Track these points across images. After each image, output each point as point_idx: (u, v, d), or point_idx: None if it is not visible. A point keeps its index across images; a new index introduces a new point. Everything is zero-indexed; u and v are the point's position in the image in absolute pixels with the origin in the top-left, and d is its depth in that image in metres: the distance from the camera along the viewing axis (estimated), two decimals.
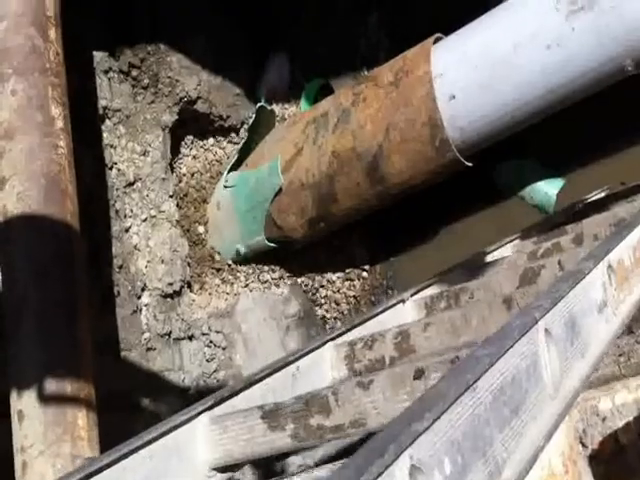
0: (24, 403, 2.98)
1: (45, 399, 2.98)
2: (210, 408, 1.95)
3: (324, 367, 2.23)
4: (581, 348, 1.58)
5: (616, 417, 1.67)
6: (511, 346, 1.29)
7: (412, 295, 2.51)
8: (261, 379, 2.06)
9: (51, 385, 3.01)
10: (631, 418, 1.66)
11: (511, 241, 3.04)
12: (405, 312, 2.49)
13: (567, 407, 1.43)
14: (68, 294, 3.22)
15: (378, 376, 1.66)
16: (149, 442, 1.80)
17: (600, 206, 3.20)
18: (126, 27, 4.54)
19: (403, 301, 2.49)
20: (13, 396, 3.01)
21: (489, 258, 2.86)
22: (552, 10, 3.42)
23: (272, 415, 1.79)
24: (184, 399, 4.34)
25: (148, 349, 4.28)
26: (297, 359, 2.15)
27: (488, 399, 1.14)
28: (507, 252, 2.95)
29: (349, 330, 2.31)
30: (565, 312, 1.56)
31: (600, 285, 1.73)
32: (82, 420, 3.05)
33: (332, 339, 2.26)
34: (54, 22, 3.54)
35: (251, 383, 2.03)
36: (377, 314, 2.41)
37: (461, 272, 2.72)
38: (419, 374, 1.58)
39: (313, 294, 4.98)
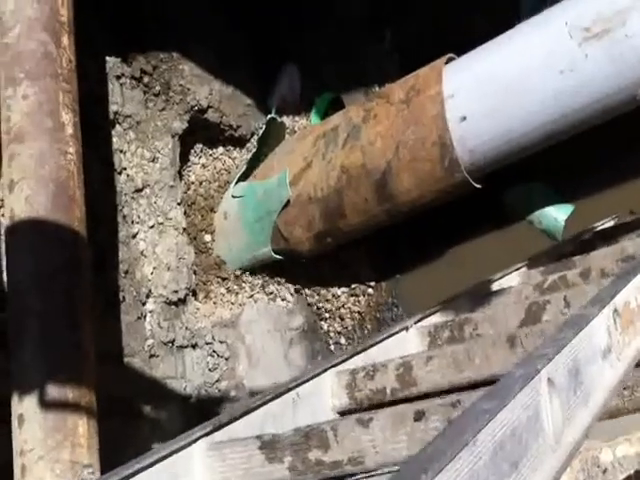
0: (25, 407, 2.98)
1: (46, 405, 2.99)
2: (208, 434, 1.94)
3: (325, 394, 2.22)
4: (584, 396, 1.57)
5: (617, 470, 1.65)
6: (512, 399, 1.28)
7: (416, 322, 2.50)
8: (261, 405, 2.05)
9: (53, 391, 3.01)
10: (632, 471, 1.64)
11: (518, 269, 3.02)
12: (408, 340, 2.48)
13: (569, 458, 1.41)
14: (72, 301, 3.22)
15: (378, 414, 1.65)
16: (147, 467, 1.80)
17: (608, 237, 3.18)
18: (138, 35, 4.53)
19: (407, 328, 2.48)
20: (14, 400, 3.01)
21: (495, 287, 2.84)
22: (566, 36, 3.41)
23: (270, 446, 1.78)
24: (185, 407, 4.35)
25: (151, 356, 4.28)
26: (297, 385, 2.14)
27: (487, 454, 1.13)
28: (513, 281, 2.94)
29: (351, 357, 2.30)
30: (569, 360, 1.54)
31: (605, 330, 1.72)
32: (82, 427, 3.05)
33: (334, 366, 2.25)
34: (67, 29, 3.54)
35: (250, 409, 2.02)
36: (380, 341, 2.39)
37: (466, 300, 2.70)
38: (419, 416, 1.57)
39: (318, 308, 4.97)
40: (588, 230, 3.61)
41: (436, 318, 2.59)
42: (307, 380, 2.17)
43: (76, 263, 3.30)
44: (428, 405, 1.57)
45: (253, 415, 2.03)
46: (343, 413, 2.23)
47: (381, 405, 2.18)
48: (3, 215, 3.70)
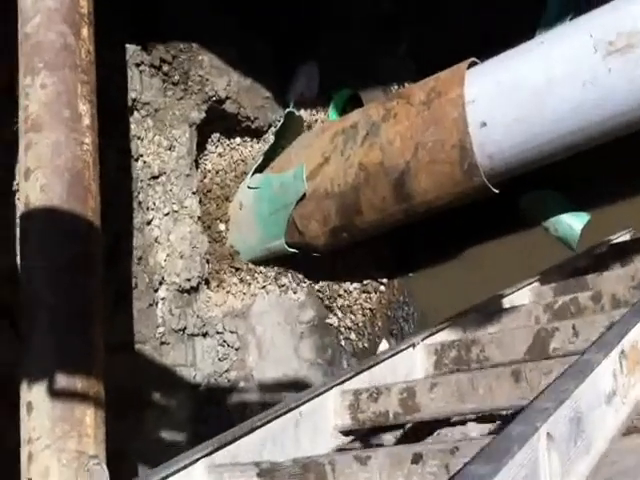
0: (34, 395, 2.99)
1: (55, 394, 3.00)
2: (209, 454, 1.95)
3: (327, 414, 2.22)
4: (586, 445, 1.56)
5: None
6: (509, 461, 1.27)
7: (423, 339, 2.49)
8: (262, 425, 2.05)
9: (61, 381, 3.02)
10: None
11: (529, 284, 2.99)
12: (415, 357, 2.48)
13: None
14: (83, 292, 3.22)
15: (377, 453, 1.65)
16: None
17: (623, 253, 3.15)
18: (158, 28, 4.51)
19: (414, 345, 2.47)
20: (23, 387, 3.02)
21: (505, 303, 2.83)
22: (590, 49, 3.35)
23: (269, 474, 1.79)
24: (194, 396, 4.38)
25: (162, 343, 4.31)
26: (300, 405, 2.15)
27: None
28: (525, 297, 2.92)
29: (357, 375, 2.30)
30: (570, 409, 1.53)
31: (610, 374, 1.70)
32: (90, 418, 3.06)
33: (339, 384, 2.25)
34: (87, 21, 3.52)
35: (251, 429, 2.03)
36: (387, 358, 2.39)
37: (475, 318, 2.68)
38: (417, 459, 1.57)
39: (329, 302, 4.97)
40: (603, 243, 3.57)
41: (444, 335, 2.58)
42: (311, 399, 2.17)
43: (89, 254, 3.30)
44: (426, 449, 1.57)
45: (254, 434, 2.04)
46: (346, 433, 2.24)
47: (383, 429, 2.19)
48: (19, 199, 3.72)
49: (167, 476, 1.85)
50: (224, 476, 1.86)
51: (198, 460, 1.92)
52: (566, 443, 1.48)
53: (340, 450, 2.29)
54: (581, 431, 1.55)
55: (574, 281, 2.86)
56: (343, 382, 2.27)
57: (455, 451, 1.53)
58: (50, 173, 3.27)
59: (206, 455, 1.94)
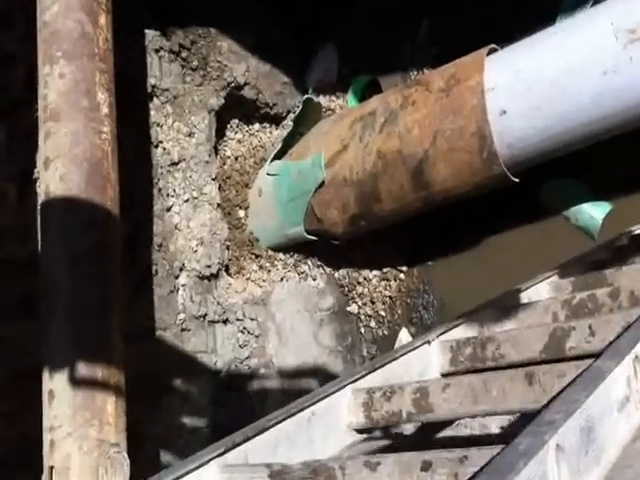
0: (55, 384, 3.01)
1: (76, 382, 3.02)
2: (221, 455, 1.95)
3: (341, 412, 2.22)
4: (596, 455, 1.54)
5: None
6: (514, 477, 1.26)
7: (438, 336, 2.48)
8: (275, 424, 2.05)
9: (82, 369, 3.04)
10: None
11: (548, 277, 2.96)
12: (430, 353, 2.46)
13: None
14: (102, 281, 3.23)
15: (386, 459, 1.64)
16: None
17: None
18: (175, 10, 4.49)
19: (429, 342, 2.46)
20: (45, 375, 3.05)
21: (523, 298, 2.80)
22: (611, 37, 3.28)
23: (279, 476, 1.79)
24: (215, 382, 4.40)
25: (183, 329, 4.33)
26: (313, 403, 2.14)
27: None
28: (543, 291, 2.88)
29: (371, 372, 2.29)
30: (581, 419, 1.51)
31: (624, 380, 1.68)
32: (110, 406, 3.08)
33: (352, 382, 2.24)
34: (105, 9, 3.51)
35: (264, 429, 2.03)
36: (402, 354, 2.38)
37: (491, 313, 2.66)
38: (426, 466, 1.56)
39: (349, 290, 4.96)
40: (624, 234, 3.52)
41: (460, 332, 2.57)
42: (323, 398, 2.17)
43: (107, 243, 3.31)
44: (436, 456, 1.56)
45: (267, 434, 2.04)
46: (360, 431, 2.23)
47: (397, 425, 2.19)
48: (39, 187, 3.74)
49: (180, 476, 1.86)
50: (235, 477, 1.86)
51: (210, 460, 1.92)
52: (576, 454, 1.46)
53: (354, 446, 2.29)
54: (592, 441, 1.53)
55: (593, 275, 2.82)
56: (356, 380, 2.26)
57: (464, 460, 1.52)
58: (69, 162, 3.28)
59: (218, 455, 1.93)
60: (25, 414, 3.34)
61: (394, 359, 2.37)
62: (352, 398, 2.22)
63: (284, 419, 2.07)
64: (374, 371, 2.31)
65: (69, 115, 3.34)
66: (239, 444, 1.97)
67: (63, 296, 3.11)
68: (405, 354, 2.39)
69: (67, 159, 3.28)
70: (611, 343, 1.93)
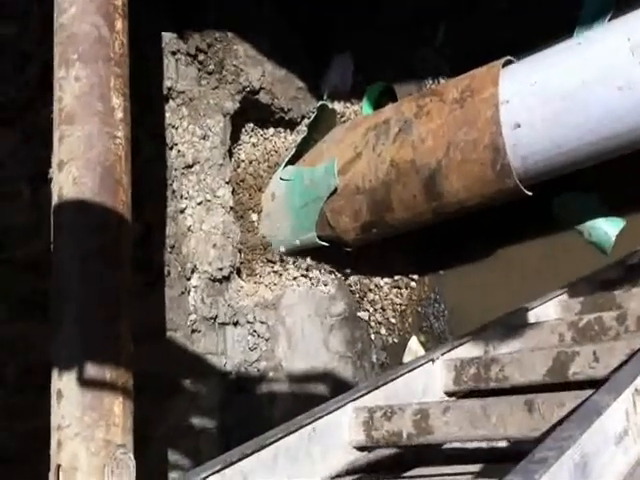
0: (64, 384, 3.02)
1: (84, 383, 3.03)
2: (218, 471, 1.96)
3: (342, 430, 2.22)
4: None
5: None
6: None
7: (443, 354, 2.47)
8: (274, 442, 2.05)
9: (90, 370, 3.05)
10: None
11: (557, 296, 2.94)
12: (434, 372, 2.46)
13: None
14: (112, 284, 3.24)
15: None
16: None
17: None
18: (193, 13, 4.50)
19: (433, 360, 2.45)
20: (54, 375, 3.06)
21: (531, 317, 2.78)
22: (627, 52, 3.27)
23: None
24: (224, 384, 4.42)
25: (193, 331, 4.34)
26: (314, 420, 2.14)
27: None
28: (551, 310, 2.87)
29: (373, 390, 2.29)
30: (575, 455, 1.50)
31: (622, 414, 1.67)
32: (118, 407, 3.09)
33: (353, 400, 2.24)
34: (121, 13, 3.51)
35: (263, 446, 2.03)
36: (405, 372, 2.38)
37: (498, 332, 2.65)
38: None
39: (360, 297, 4.96)
40: (636, 253, 3.49)
41: (464, 350, 2.56)
42: (324, 415, 2.17)
43: (118, 247, 3.32)
44: None
45: (266, 450, 2.04)
46: (360, 449, 2.24)
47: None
48: (53, 188, 3.76)
49: None
50: None
51: (208, 477, 1.92)
52: None
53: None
54: (586, 476, 1.52)
55: (602, 296, 2.81)
56: (358, 398, 2.26)
57: None
58: (82, 166, 3.29)
59: (216, 472, 1.94)
60: (38, 410, 3.36)
61: (397, 377, 2.37)
62: (353, 416, 2.22)
63: (284, 436, 2.07)
64: (376, 389, 2.30)
65: (83, 119, 3.35)
66: (237, 461, 1.98)
67: (73, 297, 3.13)
68: (409, 372, 2.39)
69: (81, 162, 3.30)
70: (613, 372, 1.92)
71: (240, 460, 1.99)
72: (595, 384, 1.97)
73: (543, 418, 1.89)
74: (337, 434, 2.23)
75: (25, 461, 3.32)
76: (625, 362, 1.98)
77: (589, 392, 1.78)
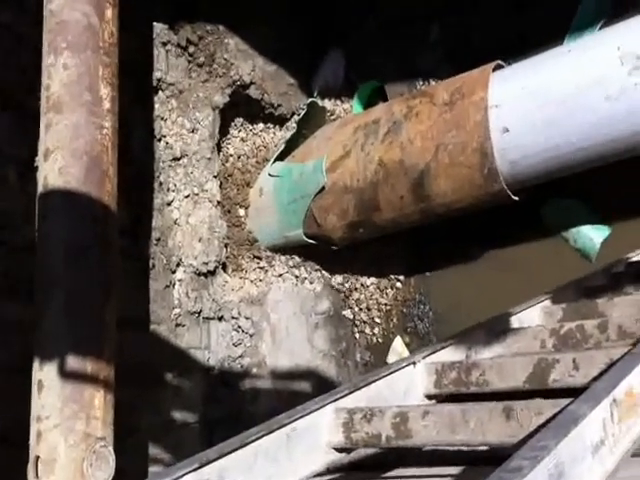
0: (45, 374, 3.00)
1: (65, 374, 3.01)
2: (195, 470, 1.94)
3: (321, 430, 2.19)
4: None
5: None
6: None
7: (424, 357, 2.46)
8: (253, 441, 2.03)
9: (73, 362, 3.03)
10: None
11: (540, 302, 2.93)
12: (415, 375, 2.44)
13: None
14: (99, 276, 3.22)
15: None
16: None
17: (637, 277, 3.08)
18: (184, 4, 4.46)
19: (414, 363, 2.44)
20: (35, 365, 3.05)
21: (514, 322, 2.77)
22: (617, 62, 3.28)
23: None
24: (208, 378, 4.40)
25: (177, 325, 4.32)
26: (294, 420, 2.12)
27: None
28: (534, 315, 2.86)
29: (354, 391, 2.27)
30: (550, 465, 1.48)
31: (599, 424, 1.65)
32: (99, 400, 3.08)
33: (334, 401, 2.22)
34: (112, 2, 3.48)
35: (242, 445, 2.01)
36: (386, 375, 2.36)
37: (481, 336, 2.63)
38: None
39: (345, 295, 4.95)
40: (621, 261, 3.50)
41: (446, 354, 2.54)
42: (304, 415, 2.15)
43: (104, 238, 3.29)
44: None
45: (245, 450, 2.02)
46: (340, 450, 2.22)
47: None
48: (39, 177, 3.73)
49: None
50: None
51: (184, 475, 1.90)
52: None
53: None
54: None
55: (585, 303, 2.80)
56: (338, 399, 2.24)
57: None
58: (69, 155, 3.26)
59: (193, 470, 1.91)
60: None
61: (378, 379, 2.35)
62: (333, 417, 2.20)
63: (263, 435, 2.05)
64: (357, 390, 2.28)
65: (71, 107, 3.32)
66: (214, 460, 1.95)
67: (58, 287, 3.11)
68: (390, 374, 2.37)
69: (67, 152, 3.27)
70: (592, 381, 1.91)
71: (218, 459, 1.97)
72: (575, 392, 1.97)
73: (521, 425, 1.88)
74: (317, 435, 2.21)
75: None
76: (604, 371, 1.97)
77: (567, 401, 1.77)
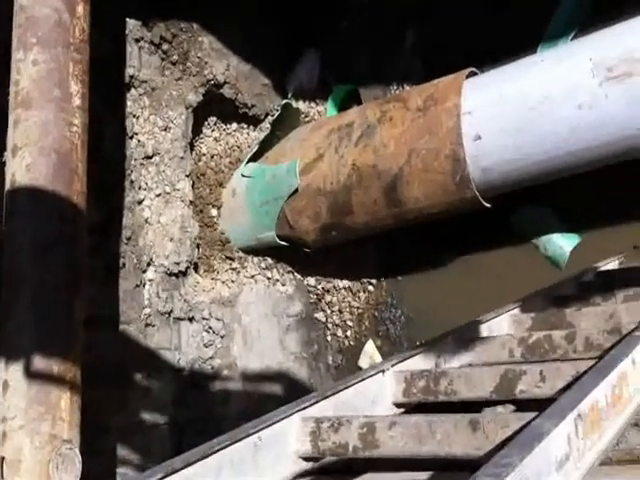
0: (10, 375, 2.98)
1: (31, 375, 2.98)
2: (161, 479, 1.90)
3: (289, 439, 2.16)
4: None
5: None
6: None
7: (394, 365, 2.43)
8: (218, 450, 2.00)
9: (39, 363, 3.00)
10: None
11: (510, 310, 2.93)
12: (384, 383, 2.42)
13: None
14: (67, 275, 3.19)
15: None
16: None
17: (607, 284, 3.09)
18: (159, 1, 4.41)
19: (383, 371, 2.42)
20: (1, 364, 3.01)
21: (484, 330, 2.76)
22: (588, 72, 3.29)
23: None
24: (177, 379, 4.35)
25: (147, 325, 4.28)
26: (261, 429, 2.09)
27: None
28: (504, 323, 2.85)
29: (321, 400, 2.24)
30: None
31: (564, 439, 1.64)
32: (65, 402, 3.05)
33: (301, 409, 2.19)
34: None
35: (206, 455, 1.98)
36: (355, 383, 2.34)
37: (450, 344, 2.62)
38: None
39: (318, 298, 4.93)
40: (591, 270, 3.51)
41: (415, 362, 2.52)
42: (271, 424, 2.12)
43: (73, 236, 3.26)
44: None
45: (211, 459, 1.99)
46: (307, 459, 2.19)
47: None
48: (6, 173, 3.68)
49: None
50: None
51: None
52: None
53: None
54: None
55: (554, 313, 2.81)
56: (306, 407, 2.21)
57: None
58: (37, 152, 3.23)
59: None
60: None
61: (347, 387, 2.33)
62: (301, 426, 2.17)
63: (229, 444, 2.01)
64: (325, 399, 2.26)
65: (40, 104, 3.29)
66: (179, 469, 1.92)
67: (25, 286, 3.08)
68: (358, 382, 2.35)
69: (35, 149, 3.24)
70: (558, 393, 1.90)
71: (183, 468, 1.93)
72: (542, 402, 1.95)
73: (487, 438, 1.86)
74: (284, 444, 2.18)
75: None
76: (570, 384, 1.97)
77: (533, 414, 1.75)
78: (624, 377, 1.94)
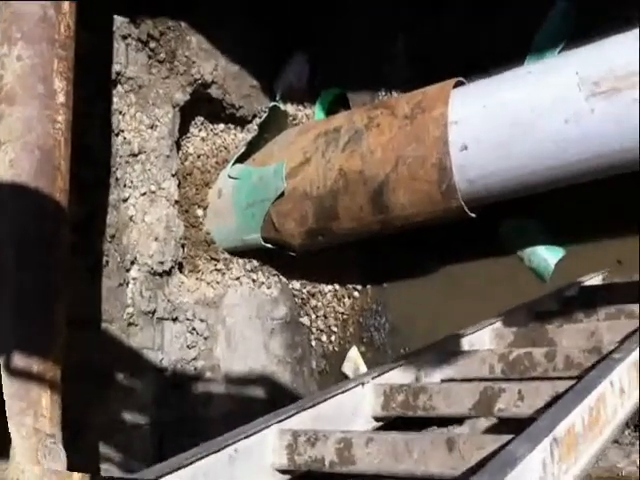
0: None
1: (11, 372, 2.95)
2: None
3: (265, 452, 2.14)
4: None
5: None
6: None
7: (373, 378, 2.41)
8: (193, 462, 1.96)
9: (19, 361, 2.97)
10: None
11: (492, 324, 2.91)
12: (364, 396, 2.40)
13: None
14: (49, 273, 3.16)
15: None
16: None
17: (590, 300, 3.08)
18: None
19: (362, 384, 2.39)
20: None
21: (465, 344, 2.74)
22: (574, 87, 3.28)
23: None
24: (160, 380, 4.31)
25: (130, 324, 4.23)
26: (237, 441, 2.06)
27: None
28: (486, 337, 2.83)
29: (300, 412, 2.21)
30: None
31: (539, 464, 1.61)
32: (45, 400, 3.02)
33: (279, 422, 2.16)
34: None
35: (180, 467, 1.94)
36: (334, 395, 2.31)
37: (430, 358, 2.60)
38: None
39: (303, 302, 4.91)
40: (574, 284, 3.50)
41: (395, 375, 2.50)
42: (248, 436, 2.09)
43: (55, 234, 3.23)
44: None
45: (184, 471, 1.95)
46: (283, 472, 2.17)
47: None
48: None
49: None
50: None
51: None
52: None
53: None
54: None
55: (536, 328, 2.81)
56: (284, 420, 2.18)
57: None
58: (19, 148, 3.20)
59: None
60: None
61: (326, 399, 2.30)
62: (278, 438, 2.15)
63: (203, 456, 1.98)
64: (304, 410, 2.23)
65: (24, 100, 3.26)
66: None
67: (5, 284, 3.04)
68: (338, 394, 2.33)
69: (18, 145, 3.21)
70: (536, 413, 1.87)
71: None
72: (519, 422, 1.93)
73: (463, 458, 1.84)
74: (260, 456, 2.15)
75: None
76: (548, 404, 1.94)
77: (509, 437, 1.73)
78: (602, 399, 1.92)
